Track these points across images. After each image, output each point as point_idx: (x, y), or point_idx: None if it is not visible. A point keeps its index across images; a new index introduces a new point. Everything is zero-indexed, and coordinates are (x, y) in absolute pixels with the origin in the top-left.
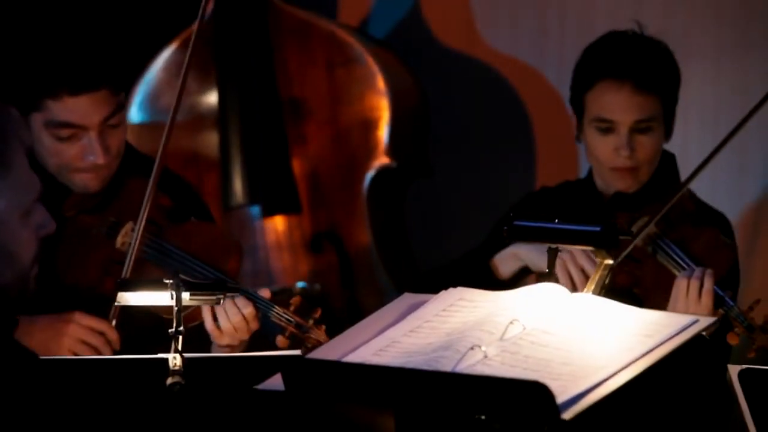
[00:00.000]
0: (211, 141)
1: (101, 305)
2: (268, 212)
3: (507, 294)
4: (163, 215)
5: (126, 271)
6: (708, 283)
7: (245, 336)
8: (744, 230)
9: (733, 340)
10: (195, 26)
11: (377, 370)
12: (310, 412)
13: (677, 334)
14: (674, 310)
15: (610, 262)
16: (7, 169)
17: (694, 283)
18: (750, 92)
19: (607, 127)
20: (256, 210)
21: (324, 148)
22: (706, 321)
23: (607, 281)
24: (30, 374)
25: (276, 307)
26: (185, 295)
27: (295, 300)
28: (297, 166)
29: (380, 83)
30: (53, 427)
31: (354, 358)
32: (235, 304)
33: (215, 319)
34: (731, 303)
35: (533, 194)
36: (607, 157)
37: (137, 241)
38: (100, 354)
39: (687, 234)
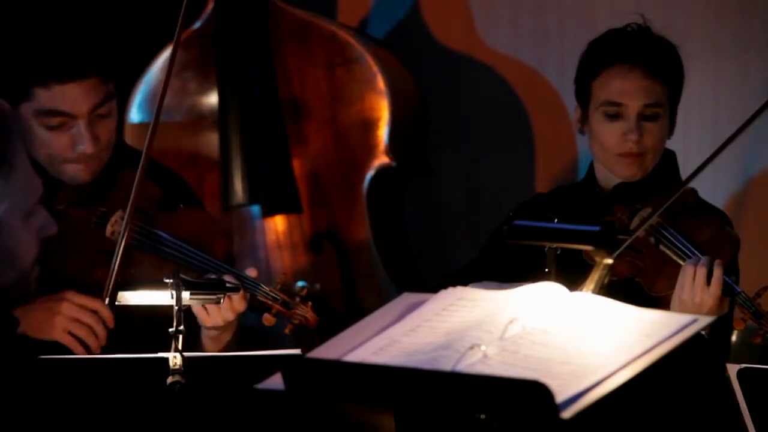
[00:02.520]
0: (211, 141)
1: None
2: (269, 212)
3: (506, 293)
4: (153, 204)
5: (116, 259)
6: (717, 271)
7: (230, 316)
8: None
9: (739, 325)
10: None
11: (377, 369)
12: (310, 411)
13: (676, 333)
14: (680, 297)
15: (610, 261)
16: (10, 169)
17: (702, 270)
18: (750, 93)
19: (615, 112)
20: (256, 210)
21: (324, 148)
22: (705, 320)
23: (606, 280)
24: (30, 373)
25: (262, 285)
26: (185, 295)
27: (281, 278)
28: (297, 165)
29: (380, 83)
30: (54, 427)
31: (354, 357)
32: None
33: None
34: (738, 289)
35: (527, 202)
36: (614, 143)
37: (126, 229)
38: (95, 332)
39: (691, 225)
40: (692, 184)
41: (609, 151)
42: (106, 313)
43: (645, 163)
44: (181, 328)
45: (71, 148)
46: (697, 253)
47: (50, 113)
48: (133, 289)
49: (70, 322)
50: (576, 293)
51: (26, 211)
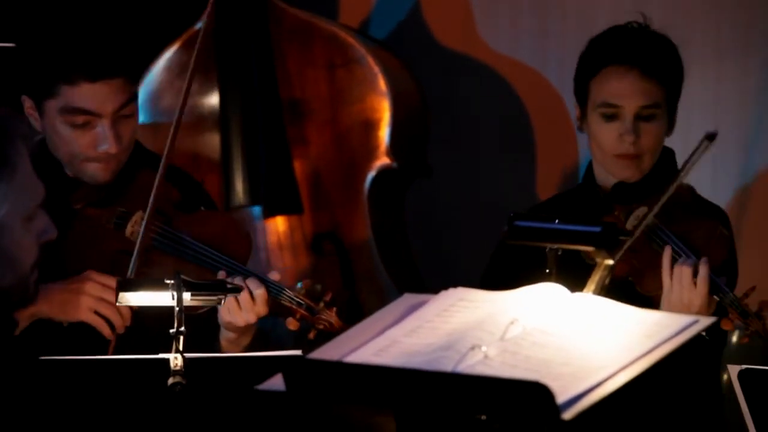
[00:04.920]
0: (212, 142)
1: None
2: (269, 213)
3: (507, 294)
4: (172, 206)
5: (134, 259)
6: (703, 270)
7: (251, 318)
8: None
9: (726, 325)
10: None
11: (378, 370)
12: (310, 412)
13: (677, 334)
14: (669, 297)
15: (610, 262)
16: (12, 172)
17: (687, 270)
18: (750, 94)
19: (612, 113)
20: (257, 211)
21: (325, 149)
22: (706, 321)
23: (607, 281)
24: (31, 374)
25: (286, 290)
26: (186, 295)
27: (306, 282)
28: (298, 166)
29: (381, 84)
30: (55, 428)
31: (355, 358)
32: (246, 283)
33: None
34: (726, 289)
35: (543, 204)
36: (611, 143)
37: (144, 229)
38: (119, 310)
39: (687, 226)
40: (693, 183)
41: (606, 152)
42: None
43: (642, 164)
44: (182, 329)
45: (94, 147)
46: (689, 253)
47: (76, 111)
48: (134, 289)
49: (96, 302)
50: (577, 294)
51: (27, 214)
